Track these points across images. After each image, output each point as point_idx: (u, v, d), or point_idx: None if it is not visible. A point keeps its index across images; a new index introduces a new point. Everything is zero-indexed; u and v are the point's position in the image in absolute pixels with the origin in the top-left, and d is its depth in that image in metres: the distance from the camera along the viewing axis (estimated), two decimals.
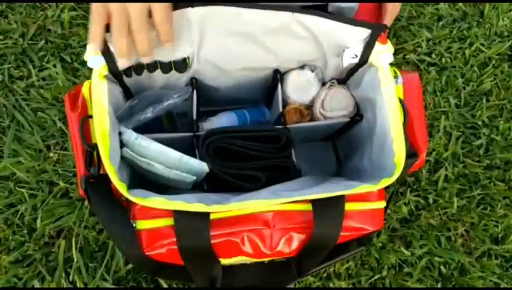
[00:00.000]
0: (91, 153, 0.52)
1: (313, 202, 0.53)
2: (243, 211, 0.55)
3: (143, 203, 0.48)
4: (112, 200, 0.51)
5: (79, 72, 0.86)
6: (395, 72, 0.60)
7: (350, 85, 0.66)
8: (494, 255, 0.84)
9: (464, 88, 0.95)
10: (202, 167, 0.56)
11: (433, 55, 0.96)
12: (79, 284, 0.73)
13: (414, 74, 0.62)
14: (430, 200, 0.85)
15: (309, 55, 0.62)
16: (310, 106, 0.68)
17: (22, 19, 0.89)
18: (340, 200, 0.53)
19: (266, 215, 0.55)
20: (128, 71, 0.58)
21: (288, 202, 0.54)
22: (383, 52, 0.56)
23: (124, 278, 0.75)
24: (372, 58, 0.58)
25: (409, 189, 0.85)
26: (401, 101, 0.56)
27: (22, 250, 0.75)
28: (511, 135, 0.92)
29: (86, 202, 0.78)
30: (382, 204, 0.57)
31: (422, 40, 0.97)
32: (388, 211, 0.84)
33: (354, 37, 0.56)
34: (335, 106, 0.66)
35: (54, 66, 0.86)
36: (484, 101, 0.94)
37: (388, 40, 0.57)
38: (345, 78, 0.67)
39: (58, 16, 0.89)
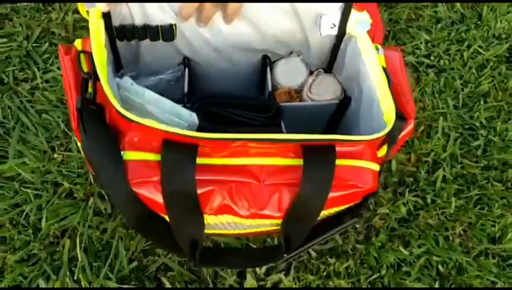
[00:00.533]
0: (86, 85, 0.54)
1: (304, 149, 0.53)
2: (233, 162, 0.54)
3: (138, 121, 0.48)
4: (104, 127, 0.52)
5: None
6: (377, 46, 0.61)
7: (336, 71, 0.69)
8: (491, 254, 0.86)
9: (462, 90, 0.97)
10: (193, 117, 0.58)
11: (432, 57, 0.98)
12: (83, 283, 0.75)
13: (396, 48, 0.64)
14: (429, 201, 0.87)
15: (289, 31, 0.65)
16: (299, 90, 0.72)
17: (26, 22, 0.91)
18: (332, 149, 0.52)
19: (256, 169, 0.54)
20: (120, 31, 0.62)
21: (277, 154, 0.54)
22: (360, 21, 0.59)
23: (128, 277, 0.77)
24: (349, 29, 0.61)
25: (408, 189, 0.87)
26: (383, 68, 0.58)
27: (27, 249, 0.77)
28: (509, 136, 0.94)
29: (90, 202, 0.80)
30: (376, 166, 0.56)
31: (421, 42, 0.99)
32: (387, 211, 0.85)
33: (329, 4, 0.59)
34: (322, 92, 0.69)
35: (58, 68, 0.88)
36: (482, 102, 0.96)
37: (365, 11, 0.60)
38: (329, 65, 0.70)
39: (62, 18, 0.91)
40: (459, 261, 0.84)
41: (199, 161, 0.52)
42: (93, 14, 0.55)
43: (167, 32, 0.64)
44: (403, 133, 0.60)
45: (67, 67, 0.56)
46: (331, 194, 0.55)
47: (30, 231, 0.78)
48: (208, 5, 0.60)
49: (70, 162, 0.82)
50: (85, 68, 0.55)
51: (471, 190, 0.89)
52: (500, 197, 0.89)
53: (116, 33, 0.63)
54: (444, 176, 0.89)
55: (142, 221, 0.58)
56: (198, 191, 0.52)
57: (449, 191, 0.88)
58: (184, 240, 0.60)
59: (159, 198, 0.53)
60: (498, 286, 0.83)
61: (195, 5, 0.60)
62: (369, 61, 0.59)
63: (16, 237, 0.78)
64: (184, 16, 0.62)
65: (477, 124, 0.94)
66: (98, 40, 0.54)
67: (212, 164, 0.54)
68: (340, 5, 0.60)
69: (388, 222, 0.85)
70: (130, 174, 0.52)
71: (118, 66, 0.67)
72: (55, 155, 0.83)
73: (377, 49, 0.62)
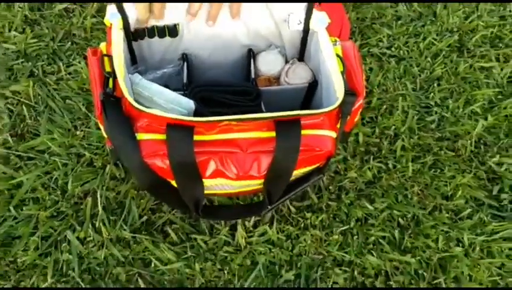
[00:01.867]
0: (107, 81, 0.67)
1: (276, 123, 0.66)
2: (222, 137, 0.67)
3: (146, 111, 0.61)
4: (121, 114, 0.65)
5: None
6: (335, 40, 0.74)
7: (306, 60, 0.84)
8: (444, 209, 1.00)
9: (419, 75, 1.13)
10: (190, 104, 0.71)
11: (393, 49, 1.15)
12: (104, 232, 0.90)
13: (351, 41, 0.77)
14: (390, 166, 1.02)
15: (267, 28, 0.80)
16: (277, 78, 0.85)
17: (52, 26, 1.09)
18: (297, 122, 0.66)
19: (240, 141, 0.68)
20: (135, 34, 0.75)
21: (256, 129, 0.67)
22: (319, 19, 0.74)
23: (138, 229, 0.92)
24: (312, 25, 0.75)
25: (372, 157, 1.03)
26: (338, 56, 0.71)
27: (56, 207, 0.92)
28: (460, 112, 1.10)
29: (107, 169, 0.96)
30: (333, 134, 0.70)
31: (384, 36, 1.16)
32: (355, 175, 1.01)
33: (296, 5, 0.74)
34: (297, 77, 0.83)
35: (79, 62, 1.05)
36: (436, 85, 1.12)
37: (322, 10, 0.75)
38: (301, 54, 0.84)
39: (82, 22, 1.09)
40: (417, 214, 0.99)
41: (196, 138, 0.65)
42: (115, 26, 0.69)
43: (172, 30, 0.78)
44: (355, 107, 0.73)
45: (94, 65, 0.69)
46: (299, 157, 0.68)
47: (58, 193, 0.93)
48: (215, 4, 0.74)
49: (90, 137, 0.98)
50: (107, 68, 0.68)
51: (426, 156, 1.04)
52: (452, 162, 1.04)
53: (132, 36, 0.76)
54: (403, 145, 1.04)
55: (153, 186, 0.73)
56: (197, 160, 0.66)
57: (407, 157, 1.03)
58: (189, 199, 0.75)
59: (166, 166, 0.66)
60: (451, 235, 0.98)
61: (200, 4, 0.74)
62: (326, 51, 0.72)
63: (47, 197, 0.93)
64: (192, 13, 0.75)
65: (432, 103, 1.10)
66: (118, 47, 0.67)
67: (206, 139, 0.67)
68: (304, 5, 0.74)
69: (356, 184, 1.01)
70: (142, 150, 0.65)
71: (133, 62, 0.81)
72: (78, 132, 0.99)
73: (335, 41, 0.74)
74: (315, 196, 0.98)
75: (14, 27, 1.08)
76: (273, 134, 0.68)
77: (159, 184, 0.72)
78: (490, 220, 0.99)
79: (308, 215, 0.96)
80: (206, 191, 0.75)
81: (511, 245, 0.97)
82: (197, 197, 0.76)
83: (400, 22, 1.18)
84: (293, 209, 0.96)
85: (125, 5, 0.71)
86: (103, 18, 1.09)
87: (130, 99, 0.62)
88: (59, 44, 1.07)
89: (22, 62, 1.05)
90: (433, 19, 1.19)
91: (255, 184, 0.75)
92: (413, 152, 1.04)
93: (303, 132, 0.67)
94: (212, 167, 0.69)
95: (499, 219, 0.99)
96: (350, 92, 0.70)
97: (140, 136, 0.66)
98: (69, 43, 1.08)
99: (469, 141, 1.06)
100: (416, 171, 1.03)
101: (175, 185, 0.72)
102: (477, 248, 0.96)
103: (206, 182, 0.72)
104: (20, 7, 1.10)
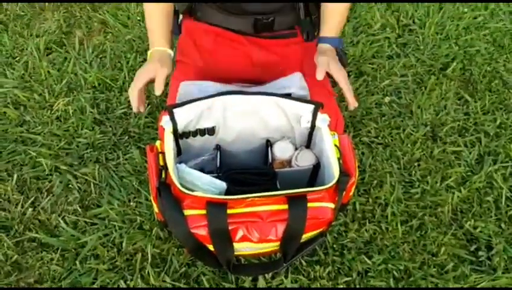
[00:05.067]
0: (161, 172, 0.85)
1: (288, 199, 0.83)
2: (247, 210, 0.83)
3: (191, 194, 0.78)
4: (172, 197, 0.82)
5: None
6: (333, 133, 0.94)
7: (312, 147, 1.01)
8: (432, 264, 1.18)
9: (403, 158, 1.38)
10: (223, 185, 0.88)
11: (379, 138, 1.41)
12: (151, 282, 1.09)
13: (346, 134, 0.96)
14: (383, 228, 1.21)
15: (282, 125, 0.98)
16: (288, 161, 1.05)
17: (114, 125, 1.39)
18: (304, 198, 0.83)
19: (261, 213, 0.84)
20: (182, 134, 0.94)
21: (274, 203, 0.83)
22: (322, 119, 0.92)
23: (178, 279, 1.11)
24: (317, 123, 0.93)
25: (368, 221, 1.24)
26: (336, 146, 0.90)
27: (112, 262, 1.12)
28: (437, 186, 1.32)
29: (154, 231, 1.18)
30: (332, 205, 0.85)
31: (372, 129, 1.43)
32: (355, 235, 1.21)
33: (305, 109, 0.93)
34: (304, 160, 0.98)
35: (133, 152, 1.34)
36: (416, 165, 1.36)
37: (326, 113, 0.96)
38: (307, 144, 1.02)
39: (136, 121, 1.40)
40: (408, 268, 1.16)
41: (228, 211, 0.82)
42: (167, 131, 0.88)
43: (210, 130, 0.97)
44: (349, 184, 0.89)
45: (151, 160, 0.86)
46: (307, 223, 0.85)
47: (115, 250, 1.13)
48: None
49: (141, 207, 1.21)
50: (161, 162, 0.86)
51: (413, 220, 1.23)
52: (435, 226, 1.23)
53: (180, 136, 0.94)
54: (393, 212, 1.23)
55: (195, 249, 0.89)
56: (229, 228, 0.83)
57: (397, 221, 1.22)
58: (223, 259, 0.92)
59: (205, 234, 0.84)
60: (439, 285, 1.14)
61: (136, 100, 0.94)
62: (327, 143, 0.89)
63: (105, 254, 1.13)
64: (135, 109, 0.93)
65: (415, 179, 1.33)
66: (168, 146, 0.85)
67: (236, 212, 0.83)
68: (311, 109, 0.92)
69: (356, 243, 1.19)
70: (188, 223, 0.82)
71: (179, 153, 0.98)
72: (131, 203, 1.22)
73: (334, 134, 0.92)
74: (322, 253, 1.17)
75: (85, 126, 1.39)
76: (286, 206, 0.84)
77: (200, 248, 0.90)
78: (471, 273, 1.16)
79: (317, 268, 1.13)
80: (235, 253, 0.93)
81: None
82: (229, 257, 0.93)
83: (384, 118, 1.48)
84: (304, 262, 1.15)
85: (175, 114, 0.90)
86: (154, 119, 1.42)
87: (178, 186, 0.80)
88: (119, 138, 1.37)
89: (91, 151, 1.33)
90: (410, 115, 1.49)
91: (273, 246, 0.92)
92: (401, 217, 1.25)
93: (309, 204, 0.84)
94: (240, 233, 0.86)
95: (478, 272, 1.15)
96: (345, 173, 0.86)
97: (187, 212, 0.83)
98: (126, 137, 1.37)
99: (447, 209, 1.27)
100: (405, 232, 1.22)
101: (211, 248, 0.90)
102: None
103: (236, 245, 0.88)
104: (91, 111, 1.42)
